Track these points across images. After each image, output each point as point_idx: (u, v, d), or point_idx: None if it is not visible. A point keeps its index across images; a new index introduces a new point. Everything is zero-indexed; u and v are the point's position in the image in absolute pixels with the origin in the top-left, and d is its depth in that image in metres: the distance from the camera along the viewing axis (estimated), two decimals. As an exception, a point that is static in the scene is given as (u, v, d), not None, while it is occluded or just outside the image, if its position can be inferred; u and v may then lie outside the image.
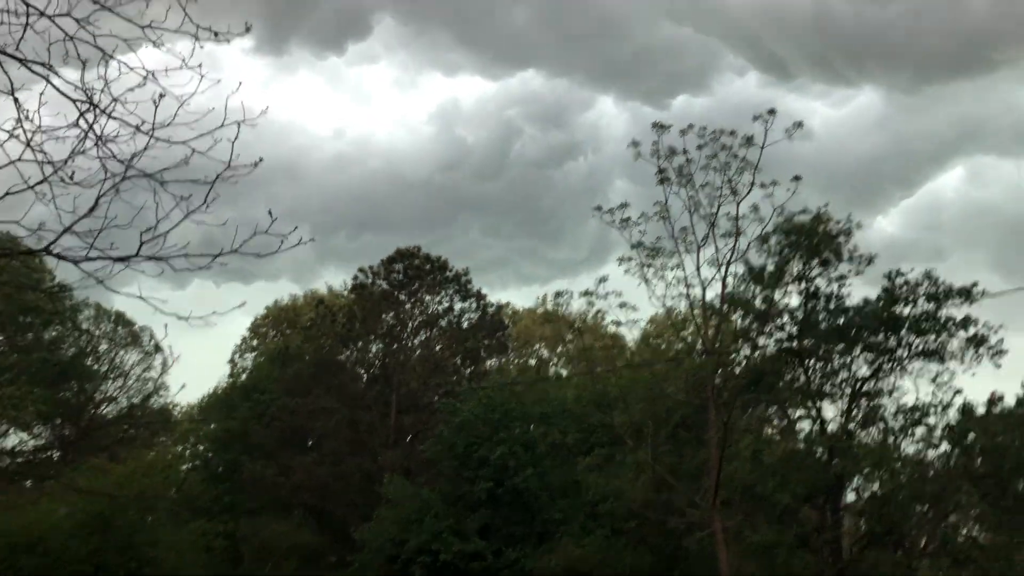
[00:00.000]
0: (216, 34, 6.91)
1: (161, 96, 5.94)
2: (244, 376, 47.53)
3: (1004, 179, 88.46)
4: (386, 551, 31.59)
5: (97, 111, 6.33)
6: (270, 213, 5.79)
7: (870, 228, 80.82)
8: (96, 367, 43.66)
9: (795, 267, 26.53)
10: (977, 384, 27.40)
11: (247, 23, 7.17)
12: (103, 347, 44.61)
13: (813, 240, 25.83)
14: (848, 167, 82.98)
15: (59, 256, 5.95)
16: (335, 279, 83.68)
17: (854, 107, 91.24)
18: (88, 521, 29.26)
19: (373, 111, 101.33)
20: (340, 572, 35.03)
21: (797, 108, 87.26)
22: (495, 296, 70.80)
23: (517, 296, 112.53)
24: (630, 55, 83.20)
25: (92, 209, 5.62)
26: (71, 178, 6.13)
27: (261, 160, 5.96)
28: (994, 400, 26.50)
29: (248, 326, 52.76)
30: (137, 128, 6.30)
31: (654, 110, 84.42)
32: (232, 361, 52.02)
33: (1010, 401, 27.09)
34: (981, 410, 26.61)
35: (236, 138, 5.87)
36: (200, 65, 6.61)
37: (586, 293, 25.06)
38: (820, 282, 26.82)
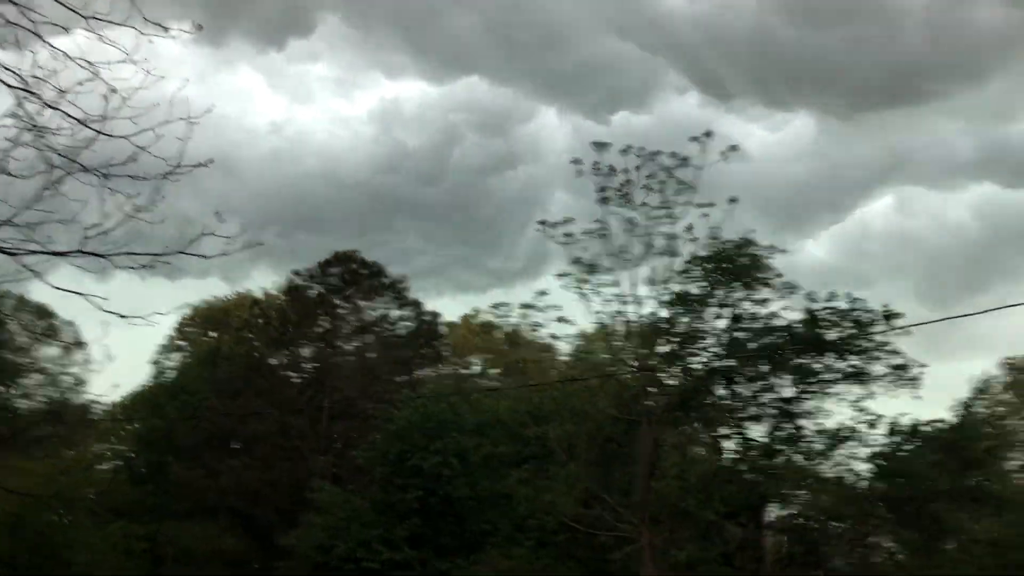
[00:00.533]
0: (166, 29, 6.78)
1: (113, 91, 5.83)
2: (170, 376, 46.40)
3: (930, 210, 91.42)
4: (312, 558, 31.16)
5: (38, 100, 6.19)
6: (218, 215, 5.72)
7: (800, 252, 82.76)
8: (12, 359, 42.09)
9: (720, 292, 27.19)
10: (897, 409, 28.35)
11: (198, 23, 7.07)
12: (20, 340, 43.09)
13: (735, 264, 26.50)
14: (781, 190, 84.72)
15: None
16: (266, 279, 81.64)
17: (789, 131, 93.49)
18: (1, 520, 28.25)
19: (312, 109, 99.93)
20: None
21: (735, 130, 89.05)
22: (431, 304, 70.36)
23: (452, 305, 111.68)
24: (574, 68, 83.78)
25: (35, 202, 5.47)
26: (3, 170, 5.97)
27: (211, 161, 5.89)
28: (916, 428, 27.45)
29: (173, 325, 51.50)
30: (80, 122, 6.16)
31: (595, 124, 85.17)
32: (156, 361, 50.77)
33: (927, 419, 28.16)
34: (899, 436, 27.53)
35: (189, 138, 5.78)
36: (146, 59, 6.49)
37: (526, 306, 25.16)
38: (746, 305, 27.52)
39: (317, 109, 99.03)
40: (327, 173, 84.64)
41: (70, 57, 6.27)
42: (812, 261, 78.85)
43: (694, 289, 26.46)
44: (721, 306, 26.94)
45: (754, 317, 27.37)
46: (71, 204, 5.93)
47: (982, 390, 32.47)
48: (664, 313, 25.71)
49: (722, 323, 27.50)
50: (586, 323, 26.78)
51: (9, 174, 6.09)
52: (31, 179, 6.10)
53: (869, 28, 78.76)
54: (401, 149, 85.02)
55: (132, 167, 6.21)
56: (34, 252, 5.64)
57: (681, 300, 26.47)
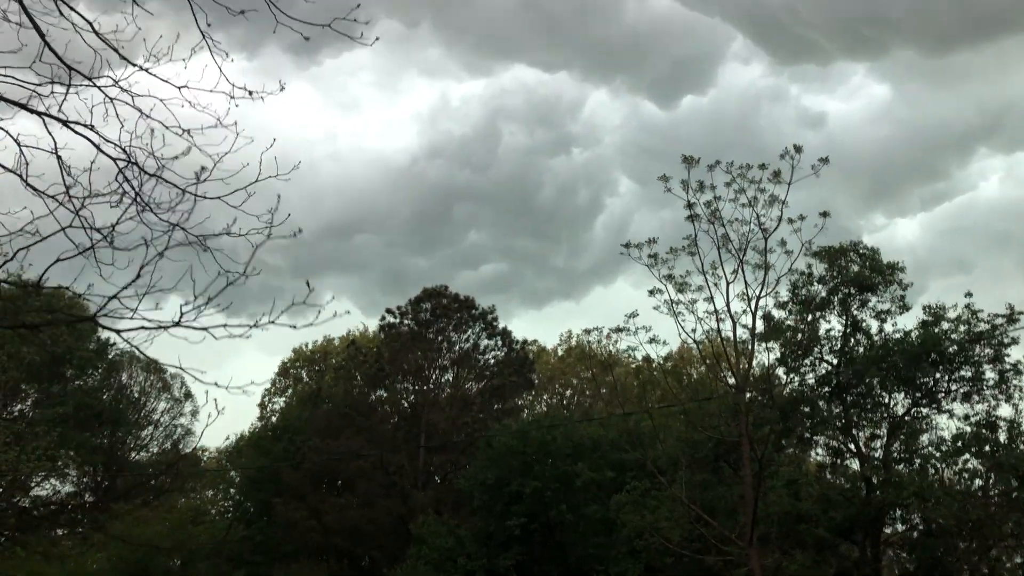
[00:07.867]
0: (251, 93, 7.06)
1: (203, 158, 6.09)
2: (274, 418, 47.78)
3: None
4: (420, 593, 31.34)
5: (137, 169, 6.48)
6: (308, 284, 5.87)
7: (894, 228, 77.05)
8: (130, 414, 44.08)
9: (837, 297, 26.77)
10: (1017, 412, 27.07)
11: (282, 82, 7.33)
12: (135, 392, 45.15)
13: (863, 267, 26.25)
14: (864, 162, 78.41)
15: (104, 326, 6.08)
16: (333, 298, 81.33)
17: (864, 96, 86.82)
18: (126, 570, 29.33)
19: (361, 114, 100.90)
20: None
21: (806, 102, 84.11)
22: (504, 319, 69.63)
23: (522, 325, 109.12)
24: (624, 40, 79.82)
25: (137, 278, 5.74)
26: (111, 243, 6.24)
27: (300, 231, 6.07)
28: None
29: (276, 369, 53.17)
30: (179, 188, 6.43)
31: (657, 108, 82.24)
32: (262, 404, 52.37)
33: None
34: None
35: (276, 208, 5.97)
36: (236, 123, 6.76)
37: (618, 330, 24.96)
38: (863, 314, 27.03)
39: (366, 113, 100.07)
40: (381, 174, 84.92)
41: (165, 125, 6.56)
42: (904, 244, 73.80)
43: (808, 293, 26.38)
44: (842, 309, 26.68)
45: (870, 330, 27.02)
46: (171, 273, 6.17)
47: None
48: (761, 326, 25.22)
49: (835, 331, 27.16)
50: (679, 341, 26.48)
51: (119, 248, 6.36)
52: (133, 251, 6.35)
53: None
54: (453, 142, 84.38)
55: (226, 237, 6.43)
56: (135, 328, 5.90)
57: (800, 302, 26.24)
